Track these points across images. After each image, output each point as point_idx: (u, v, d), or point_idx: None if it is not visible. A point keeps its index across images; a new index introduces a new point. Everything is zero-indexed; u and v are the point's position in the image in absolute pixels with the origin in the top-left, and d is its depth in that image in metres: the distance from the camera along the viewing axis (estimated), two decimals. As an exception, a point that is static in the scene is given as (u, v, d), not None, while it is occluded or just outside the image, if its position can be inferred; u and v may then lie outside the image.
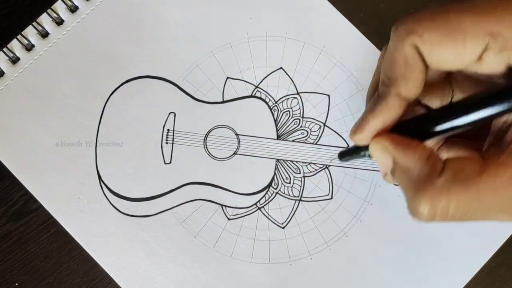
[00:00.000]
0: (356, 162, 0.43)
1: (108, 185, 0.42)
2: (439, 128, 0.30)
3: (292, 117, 0.44)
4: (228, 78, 0.44)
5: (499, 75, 0.29)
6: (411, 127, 0.31)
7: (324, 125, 0.44)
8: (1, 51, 0.43)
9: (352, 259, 0.42)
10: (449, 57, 0.28)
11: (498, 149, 0.29)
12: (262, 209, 0.42)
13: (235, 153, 0.43)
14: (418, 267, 0.42)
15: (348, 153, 0.35)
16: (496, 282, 0.42)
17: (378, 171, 0.43)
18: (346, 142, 0.43)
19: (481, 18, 0.27)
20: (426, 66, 0.30)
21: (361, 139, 0.32)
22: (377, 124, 0.31)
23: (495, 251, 0.42)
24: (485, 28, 0.27)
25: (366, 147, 0.32)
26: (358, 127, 0.32)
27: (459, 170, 0.28)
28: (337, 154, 0.37)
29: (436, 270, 0.42)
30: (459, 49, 0.28)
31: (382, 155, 0.31)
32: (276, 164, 0.43)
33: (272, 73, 0.44)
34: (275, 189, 0.43)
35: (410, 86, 0.30)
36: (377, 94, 0.32)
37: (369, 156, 0.33)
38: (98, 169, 0.42)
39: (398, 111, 0.31)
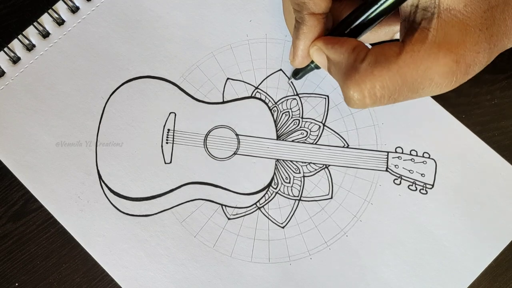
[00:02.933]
0: (356, 162, 0.43)
1: (108, 185, 0.42)
2: (358, 22, 0.34)
3: (291, 117, 0.44)
4: (228, 79, 0.44)
5: None
6: (340, 29, 0.35)
7: (324, 125, 0.44)
8: (2, 51, 0.44)
9: (352, 259, 0.42)
10: None
11: (410, 31, 0.31)
12: (262, 208, 0.42)
13: (235, 153, 0.43)
14: (419, 267, 0.42)
15: (300, 71, 0.41)
16: (496, 282, 0.42)
17: (379, 170, 0.43)
18: (346, 142, 0.43)
19: None
20: None
21: (300, 62, 0.37)
22: (306, 44, 0.35)
23: (498, 253, 0.42)
24: None
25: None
26: (293, 56, 0.36)
27: (380, 54, 0.31)
28: (291, 75, 0.44)
29: (437, 270, 0.41)
30: None
31: (318, 55, 0.35)
32: (276, 164, 0.43)
33: (272, 75, 0.45)
34: (275, 189, 0.43)
35: (318, 2, 0.34)
36: (295, 21, 0.36)
37: (315, 66, 0.39)
38: (99, 169, 0.43)
39: (319, 27, 0.35)
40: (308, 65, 0.39)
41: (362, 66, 0.31)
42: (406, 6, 0.32)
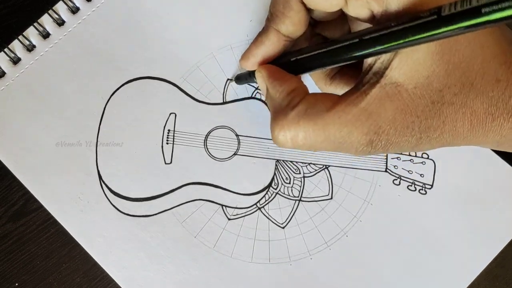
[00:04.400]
0: (355, 162, 0.43)
1: (109, 185, 0.42)
2: (304, 56, 0.33)
3: (292, 118, 0.44)
4: (228, 79, 0.44)
5: (367, 19, 0.31)
6: (287, 60, 0.35)
7: (324, 126, 0.44)
8: (2, 52, 0.44)
9: (352, 259, 0.42)
10: (321, 2, 0.31)
11: (356, 88, 0.31)
12: (262, 209, 0.42)
13: (235, 154, 0.43)
14: (419, 268, 0.42)
15: (242, 77, 0.40)
16: (496, 282, 0.42)
17: (378, 171, 0.43)
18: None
19: None
20: (306, 8, 0.33)
21: (246, 65, 0.37)
22: (259, 54, 0.36)
23: (497, 253, 0.42)
24: None
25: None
26: (244, 54, 0.36)
27: (312, 105, 0.31)
28: (234, 78, 0.44)
29: (436, 270, 0.42)
30: None
31: (260, 82, 0.35)
32: (276, 165, 0.43)
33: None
34: (275, 189, 0.43)
35: (287, 24, 0.33)
36: (264, 27, 0.36)
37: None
38: (99, 169, 0.43)
39: (277, 44, 0.35)
40: (252, 76, 0.38)
41: (291, 113, 0.31)
42: (365, 62, 0.31)
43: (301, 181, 0.43)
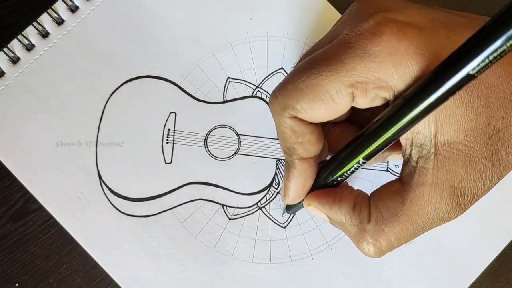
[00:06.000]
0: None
1: (109, 185, 0.42)
2: (346, 174, 0.33)
3: (293, 117, 0.44)
4: (228, 78, 0.44)
5: (380, 105, 0.30)
6: (325, 181, 0.34)
7: (325, 124, 0.44)
8: (2, 51, 0.43)
9: (354, 259, 0.41)
10: (326, 113, 0.30)
11: (409, 170, 0.30)
12: (263, 209, 0.42)
13: (236, 153, 0.43)
14: (420, 268, 0.41)
15: (292, 207, 0.38)
16: (498, 282, 0.42)
17: (379, 170, 0.43)
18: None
19: (337, 77, 0.28)
20: (314, 124, 0.31)
21: (292, 202, 0.35)
22: (298, 187, 0.34)
23: (498, 252, 0.42)
24: (344, 83, 0.28)
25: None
26: (284, 194, 0.35)
27: (384, 208, 0.30)
28: (284, 209, 0.41)
29: (438, 270, 0.41)
30: (331, 105, 0.29)
31: (316, 213, 0.34)
32: (277, 164, 0.43)
33: (273, 73, 0.44)
34: (276, 189, 0.43)
35: (308, 148, 0.32)
36: (286, 161, 0.34)
37: None
38: (99, 169, 0.42)
39: (310, 170, 0.33)
40: (300, 202, 0.36)
41: (370, 227, 0.31)
42: (401, 140, 0.30)
43: (302, 181, 0.43)
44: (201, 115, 0.43)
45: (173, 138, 0.43)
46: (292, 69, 0.33)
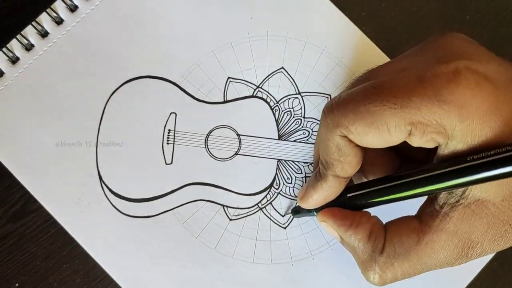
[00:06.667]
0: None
1: (109, 186, 0.42)
2: (375, 200, 0.33)
3: (293, 117, 0.44)
4: (229, 78, 0.44)
5: (432, 149, 0.30)
6: (344, 198, 0.35)
7: (326, 125, 0.43)
8: (1, 51, 0.43)
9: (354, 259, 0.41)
10: (377, 142, 0.30)
11: (431, 211, 0.31)
12: (263, 209, 0.42)
13: (236, 154, 0.43)
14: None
15: (301, 211, 0.39)
16: (498, 282, 0.42)
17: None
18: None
19: (400, 111, 0.28)
20: (360, 147, 0.31)
21: (307, 207, 0.36)
22: (320, 199, 0.35)
23: (496, 252, 0.42)
24: (405, 120, 0.28)
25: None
26: (303, 197, 0.36)
27: (398, 244, 0.31)
28: (291, 211, 0.42)
29: (439, 270, 0.41)
30: (385, 136, 0.29)
31: (329, 230, 0.35)
32: (277, 164, 0.43)
33: (274, 73, 0.44)
34: (277, 189, 0.43)
35: (345, 169, 0.32)
36: (318, 170, 0.35)
37: None
38: (99, 169, 0.42)
39: (338, 189, 0.34)
40: (312, 212, 0.37)
41: (381, 259, 0.32)
42: None
43: (302, 181, 0.43)
44: (202, 116, 0.43)
45: (174, 138, 0.43)
46: (353, 82, 0.33)
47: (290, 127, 0.43)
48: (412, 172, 0.31)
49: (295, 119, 0.43)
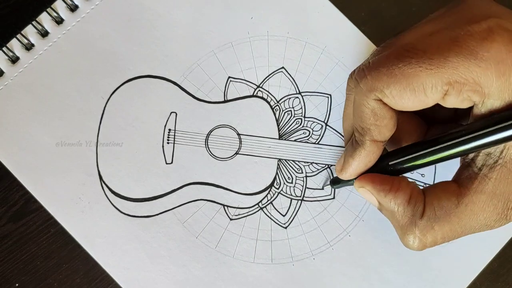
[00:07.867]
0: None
1: (109, 186, 0.42)
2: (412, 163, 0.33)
3: (294, 116, 0.44)
4: (229, 77, 0.44)
5: (465, 109, 0.31)
6: (384, 165, 0.35)
7: (326, 124, 0.43)
8: (1, 51, 0.43)
9: (355, 259, 0.41)
10: (412, 104, 0.30)
11: (469, 174, 0.31)
12: (264, 209, 0.42)
13: (236, 153, 0.43)
14: (421, 267, 0.41)
15: (341, 182, 0.39)
16: (498, 282, 0.42)
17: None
18: (348, 142, 0.43)
19: (437, 72, 0.28)
20: (394, 110, 0.32)
21: (347, 177, 0.36)
22: (360, 166, 0.35)
23: (497, 251, 0.42)
24: (442, 80, 0.28)
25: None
26: (342, 168, 0.36)
27: (439, 207, 0.31)
28: (329, 182, 0.42)
29: (439, 270, 0.41)
30: (421, 97, 0.29)
31: (367, 196, 0.35)
32: (278, 164, 0.43)
33: (274, 73, 0.44)
34: (277, 189, 0.43)
35: (383, 132, 0.33)
36: (354, 139, 0.35)
37: None
38: (99, 169, 0.42)
39: (377, 154, 0.34)
40: (351, 181, 0.37)
41: (422, 223, 0.32)
42: None
43: (303, 181, 0.43)
44: (202, 115, 0.43)
45: (174, 138, 0.43)
46: (379, 50, 0.33)
47: (291, 127, 0.43)
48: (453, 132, 0.31)
49: (296, 119, 0.43)
